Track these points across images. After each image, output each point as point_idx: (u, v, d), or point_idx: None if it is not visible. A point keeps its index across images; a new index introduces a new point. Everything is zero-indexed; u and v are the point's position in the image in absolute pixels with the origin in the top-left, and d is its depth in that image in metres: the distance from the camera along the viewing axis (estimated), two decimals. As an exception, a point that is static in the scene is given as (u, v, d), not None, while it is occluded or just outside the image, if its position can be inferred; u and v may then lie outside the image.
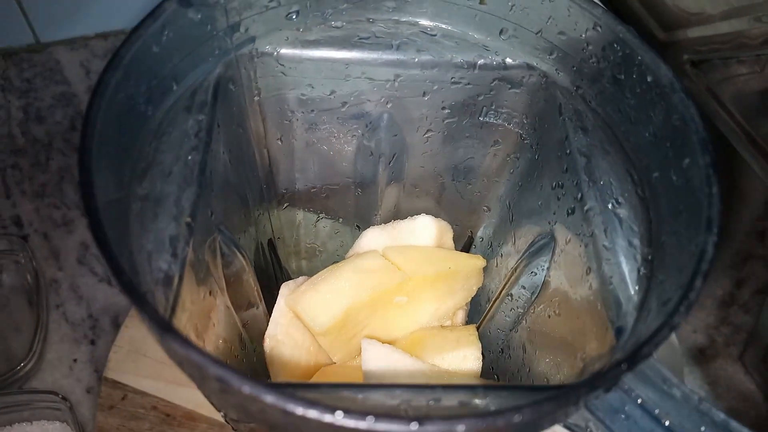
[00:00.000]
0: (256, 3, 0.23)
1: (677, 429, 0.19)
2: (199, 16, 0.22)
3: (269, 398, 0.14)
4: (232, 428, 0.28)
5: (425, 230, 0.31)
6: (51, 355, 0.43)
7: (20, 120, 0.51)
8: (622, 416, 0.19)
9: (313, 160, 0.29)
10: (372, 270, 0.29)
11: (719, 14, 0.43)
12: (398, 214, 0.32)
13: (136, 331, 0.42)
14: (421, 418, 0.14)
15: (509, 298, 0.28)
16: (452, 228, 0.32)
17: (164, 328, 0.15)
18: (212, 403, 0.22)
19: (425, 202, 0.32)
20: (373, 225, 0.31)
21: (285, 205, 0.31)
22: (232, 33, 0.23)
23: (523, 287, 0.27)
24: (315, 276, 0.29)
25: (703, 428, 0.19)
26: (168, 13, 0.20)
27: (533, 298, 0.26)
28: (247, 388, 0.14)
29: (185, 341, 0.14)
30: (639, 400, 0.19)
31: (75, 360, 0.42)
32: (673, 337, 0.43)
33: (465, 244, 0.32)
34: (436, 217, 0.31)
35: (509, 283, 0.28)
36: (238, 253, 0.25)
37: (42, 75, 0.54)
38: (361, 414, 0.14)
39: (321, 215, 0.32)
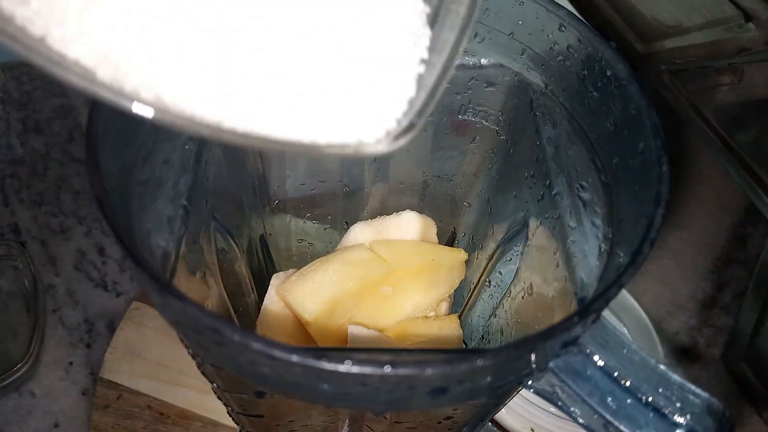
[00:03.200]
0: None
1: (635, 389, 0.21)
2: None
3: (257, 345, 0.16)
4: (235, 422, 0.30)
5: (410, 225, 0.33)
6: (47, 358, 0.44)
7: (19, 131, 0.54)
8: (584, 378, 0.21)
9: (303, 158, 0.31)
10: (359, 261, 0.31)
11: (694, 26, 0.46)
12: (384, 211, 0.34)
13: (131, 333, 0.43)
14: (394, 362, 0.16)
15: (488, 284, 0.30)
16: (436, 224, 0.34)
17: (162, 284, 0.17)
18: (207, 376, 0.23)
19: (410, 199, 0.34)
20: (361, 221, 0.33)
21: (276, 202, 0.33)
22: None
23: (500, 273, 0.29)
24: (304, 267, 0.31)
25: (660, 389, 0.21)
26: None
27: (509, 283, 0.28)
28: (236, 337, 0.16)
29: (182, 295, 0.17)
30: (600, 363, 0.21)
31: (71, 363, 0.44)
32: (656, 338, 0.45)
33: (448, 240, 0.35)
34: (420, 213, 0.33)
35: (487, 270, 0.30)
36: (232, 242, 0.28)
37: (41, 88, 0.56)
38: (341, 359, 0.16)
39: (311, 212, 0.34)
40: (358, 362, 0.16)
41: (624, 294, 0.47)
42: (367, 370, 0.16)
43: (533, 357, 0.18)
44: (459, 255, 0.33)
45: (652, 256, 0.57)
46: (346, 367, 0.16)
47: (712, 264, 0.52)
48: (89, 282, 0.47)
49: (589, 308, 0.18)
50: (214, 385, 0.24)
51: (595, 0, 0.52)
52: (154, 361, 0.43)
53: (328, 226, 0.35)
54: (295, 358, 0.16)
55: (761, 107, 0.46)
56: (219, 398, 0.26)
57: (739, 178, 0.48)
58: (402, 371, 0.16)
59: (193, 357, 0.23)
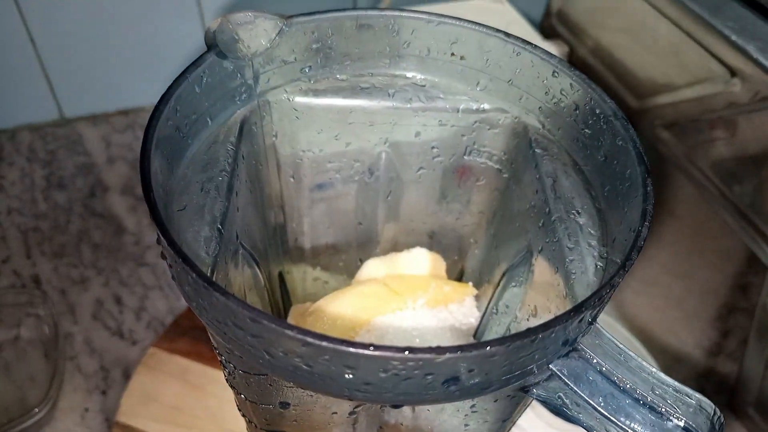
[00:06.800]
0: (276, 59, 0.30)
1: (632, 390, 0.23)
2: (232, 67, 0.28)
3: (291, 332, 0.19)
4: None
5: (420, 261, 0.36)
6: (64, 404, 0.46)
7: (43, 187, 0.57)
8: (585, 382, 0.23)
9: (321, 198, 0.35)
10: (373, 294, 0.34)
11: (684, 83, 0.50)
12: (396, 247, 0.37)
13: (146, 378, 0.46)
14: (413, 348, 0.19)
15: (494, 312, 0.32)
16: (445, 261, 0.37)
17: (207, 279, 0.20)
18: (235, 387, 0.26)
19: (420, 237, 0.37)
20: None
21: (295, 238, 0.36)
22: (256, 82, 0.30)
23: (506, 299, 0.31)
24: (321, 300, 0.33)
25: (656, 390, 0.23)
26: (208, 61, 0.27)
27: (515, 309, 0.31)
28: (273, 325, 0.19)
29: (224, 289, 0.19)
30: (599, 368, 0.23)
31: (87, 409, 0.46)
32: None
33: (457, 275, 0.37)
34: (430, 250, 0.36)
35: (494, 299, 0.32)
36: (257, 269, 0.30)
37: (65, 147, 0.60)
38: (365, 345, 0.19)
39: (327, 249, 0.37)
40: (380, 347, 0.19)
41: (635, 343, 0.49)
42: (388, 353, 0.19)
43: (535, 349, 0.21)
44: (467, 289, 0.35)
45: (658, 305, 0.59)
46: (370, 351, 0.19)
47: (716, 312, 0.54)
48: (106, 330, 0.50)
49: (584, 304, 0.20)
50: (242, 396, 0.26)
51: (589, 61, 0.57)
52: (169, 404, 0.45)
53: (343, 262, 0.38)
54: (325, 343, 0.19)
55: (755, 161, 0.50)
56: (243, 415, 0.28)
57: (738, 229, 0.51)
58: (419, 354, 0.19)
59: (224, 366, 0.25)
